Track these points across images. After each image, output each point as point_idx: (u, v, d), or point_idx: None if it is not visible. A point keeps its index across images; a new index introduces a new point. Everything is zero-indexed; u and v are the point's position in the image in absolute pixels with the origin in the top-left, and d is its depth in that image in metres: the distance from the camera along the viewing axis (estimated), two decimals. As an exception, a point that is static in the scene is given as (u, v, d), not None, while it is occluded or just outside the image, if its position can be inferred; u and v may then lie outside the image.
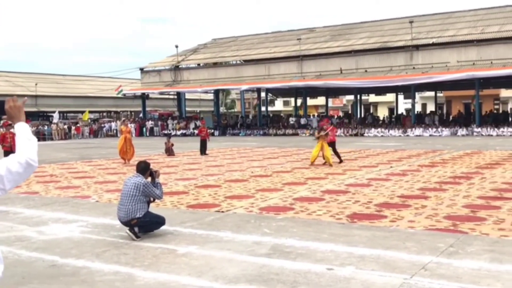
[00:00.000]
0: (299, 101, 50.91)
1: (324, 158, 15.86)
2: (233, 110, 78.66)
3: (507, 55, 35.11)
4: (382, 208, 8.38)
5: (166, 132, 43.86)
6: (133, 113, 61.87)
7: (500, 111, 52.10)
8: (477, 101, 37.66)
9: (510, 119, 38.47)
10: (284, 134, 41.89)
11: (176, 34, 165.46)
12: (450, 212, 7.90)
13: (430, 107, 58.20)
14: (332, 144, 16.37)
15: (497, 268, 5.03)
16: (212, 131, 42.56)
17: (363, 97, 55.36)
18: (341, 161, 16.33)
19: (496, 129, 35.11)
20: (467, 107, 56.31)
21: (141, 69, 50.59)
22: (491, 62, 35.05)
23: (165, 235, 6.71)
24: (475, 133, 35.24)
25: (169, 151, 21.29)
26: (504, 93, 63.48)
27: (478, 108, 37.78)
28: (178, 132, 44.94)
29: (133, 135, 33.42)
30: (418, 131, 36.75)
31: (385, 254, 5.59)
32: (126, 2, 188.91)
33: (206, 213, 8.29)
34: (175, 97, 52.56)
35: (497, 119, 39.06)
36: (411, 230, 6.76)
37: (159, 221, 6.82)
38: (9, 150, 15.64)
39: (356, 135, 38.11)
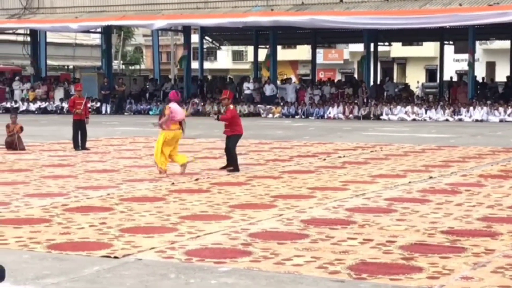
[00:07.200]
0: (262, 53, 50.92)
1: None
2: (137, 67, 78.12)
3: None
4: (413, 253, 8.48)
5: (10, 105, 43.30)
6: None
7: None
8: None
9: None
10: (233, 114, 41.72)
11: None
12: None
13: (503, 69, 59.01)
14: (232, 139, 16.54)
15: None
16: (98, 105, 42.04)
17: (381, 48, 55.86)
18: (231, 169, 16.23)
19: None
20: None
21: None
22: None
23: (4, 300, 6.59)
24: None
25: (14, 142, 21.05)
26: None
27: None
28: (33, 106, 44.30)
29: None
30: (479, 112, 37.38)
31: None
32: None
33: (86, 259, 8.18)
34: (28, 39, 51.64)
35: None
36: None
37: (-6, 273, 6.71)
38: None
39: (367, 117, 38.44)
